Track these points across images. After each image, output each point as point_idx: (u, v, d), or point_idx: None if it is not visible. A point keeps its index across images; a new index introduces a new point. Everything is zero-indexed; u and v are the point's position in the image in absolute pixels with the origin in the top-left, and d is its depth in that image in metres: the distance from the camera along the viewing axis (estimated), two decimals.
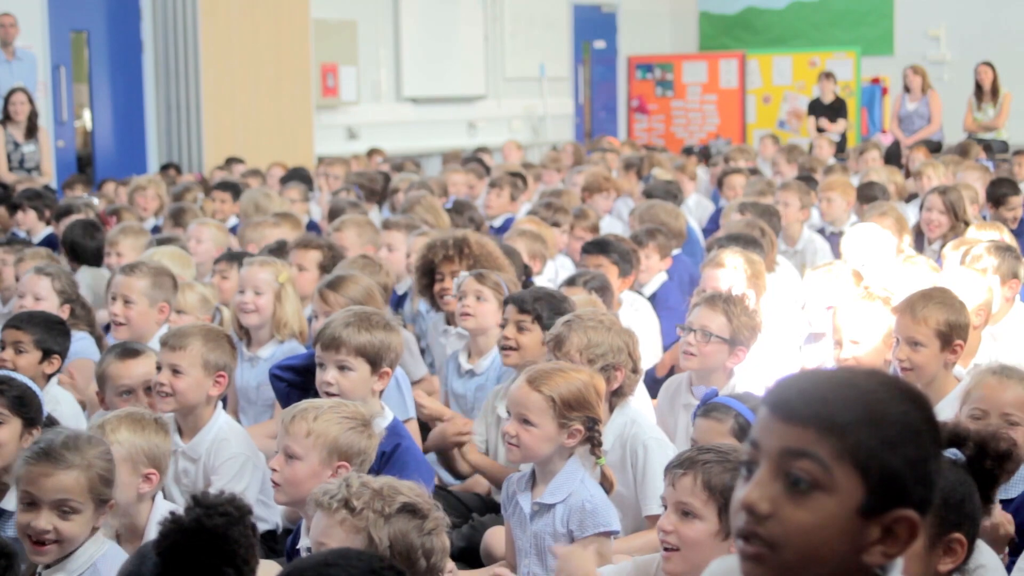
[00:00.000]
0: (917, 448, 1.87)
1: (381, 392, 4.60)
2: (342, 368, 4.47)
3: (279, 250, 6.71)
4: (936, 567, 2.69)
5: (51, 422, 4.24)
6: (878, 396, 1.87)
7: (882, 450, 1.84)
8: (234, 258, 6.73)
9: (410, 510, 2.98)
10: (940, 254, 6.62)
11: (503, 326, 5.01)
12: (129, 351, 4.79)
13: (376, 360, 4.50)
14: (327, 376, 4.47)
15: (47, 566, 3.40)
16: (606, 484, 3.92)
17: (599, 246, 6.56)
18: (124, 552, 3.52)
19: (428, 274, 6.07)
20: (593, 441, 3.87)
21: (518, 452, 3.86)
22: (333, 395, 4.39)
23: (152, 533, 3.66)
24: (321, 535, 2.97)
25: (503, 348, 4.98)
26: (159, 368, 4.61)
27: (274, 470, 3.72)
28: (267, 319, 5.64)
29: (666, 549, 3.25)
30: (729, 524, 3.08)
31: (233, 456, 4.50)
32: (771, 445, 1.88)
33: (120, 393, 4.68)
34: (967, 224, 7.56)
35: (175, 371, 4.56)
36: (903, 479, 1.85)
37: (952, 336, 4.55)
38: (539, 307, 4.94)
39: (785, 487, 1.86)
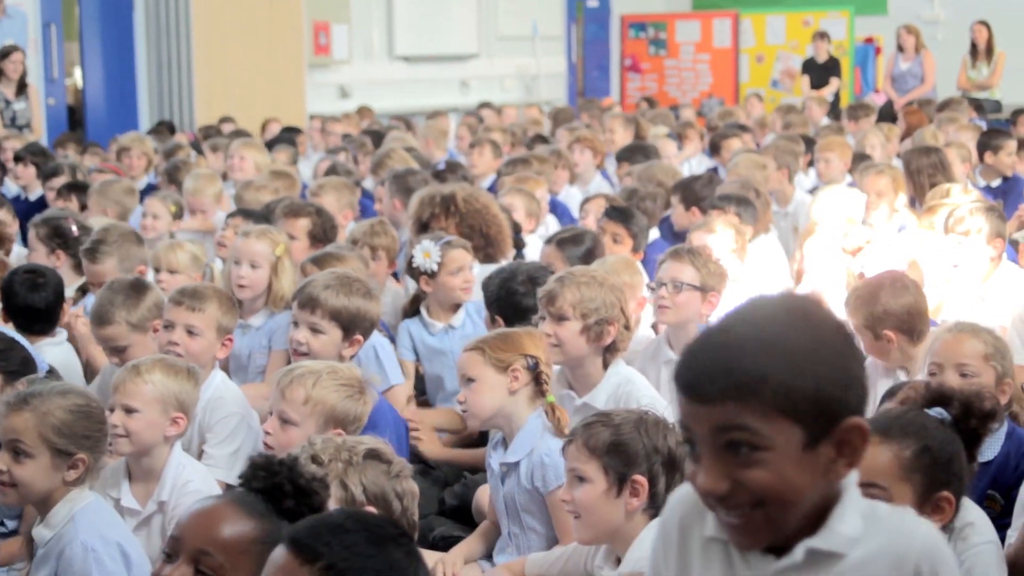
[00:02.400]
0: (831, 360, 1.89)
1: (351, 359, 4.62)
2: (314, 330, 4.50)
3: (266, 216, 6.66)
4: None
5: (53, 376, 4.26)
6: (773, 332, 1.89)
7: (799, 384, 1.86)
8: (249, 215, 6.72)
9: (375, 456, 3.05)
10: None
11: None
12: (139, 286, 4.87)
13: (349, 326, 4.55)
14: (299, 335, 4.53)
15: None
16: (556, 423, 3.94)
17: (622, 214, 6.50)
18: (108, 505, 3.54)
19: (423, 231, 6.09)
20: (539, 381, 3.93)
21: (471, 417, 3.94)
22: (303, 354, 4.43)
23: (169, 480, 3.72)
24: None
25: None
26: (169, 325, 4.61)
27: (268, 433, 3.73)
28: (262, 292, 5.58)
29: (575, 517, 3.29)
30: (616, 481, 3.20)
31: (228, 415, 4.50)
32: (701, 429, 1.90)
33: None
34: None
35: (190, 332, 4.59)
36: (831, 397, 1.88)
37: (912, 321, 4.53)
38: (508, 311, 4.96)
39: (731, 459, 1.88)
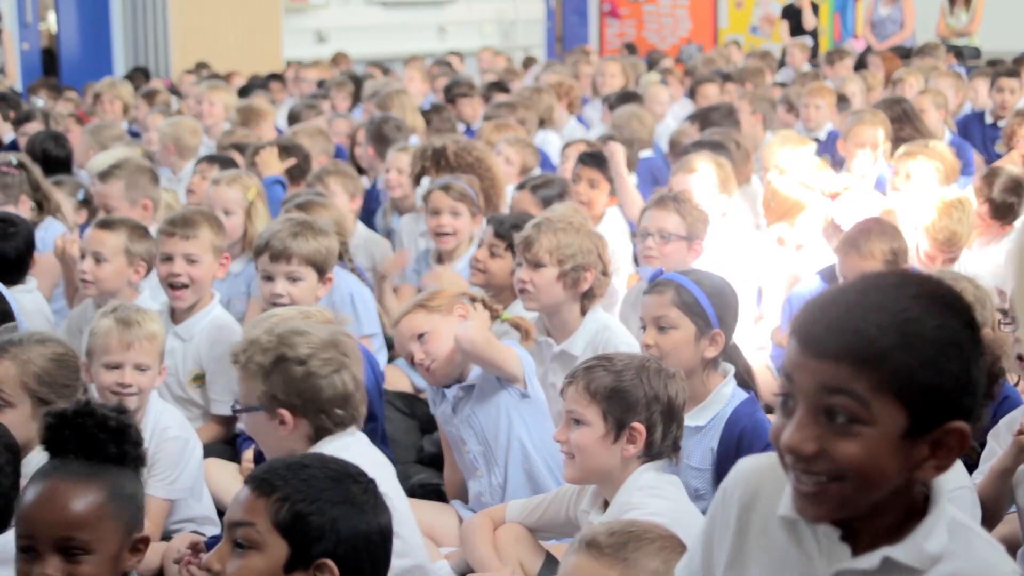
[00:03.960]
0: (959, 360, 1.81)
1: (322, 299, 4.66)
2: (292, 279, 4.49)
3: (230, 160, 6.62)
4: None
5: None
6: (911, 315, 1.81)
7: (922, 372, 1.79)
8: (216, 160, 6.68)
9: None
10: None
11: (479, 244, 5.01)
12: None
13: (323, 267, 4.57)
14: (276, 288, 4.52)
15: None
16: (523, 330, 4.06)
17: (597, 159, 6.49)
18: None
19: (417, 181, 6.14)
20: (486, 306, 4.03)
21: (436, 364, 3.94)
22: (282, 305, 4.41)
23: (148, 427, 3.81)
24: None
25: (473, 267, 5.03)
26: (168, 258, 4.65)
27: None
28: (238, 239, 5.56)
29: (567, 456, 3.30)
30: (615, 427, 3.18)
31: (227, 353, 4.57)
32: (806, 383, 1.83)
33: None
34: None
35: (189, 260, 4.64)
36: (946, 395, 1.81)
37: (898, 262, 4.57)
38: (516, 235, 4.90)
39: (826, 423, 1.81)
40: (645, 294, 3.89)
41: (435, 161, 5.95)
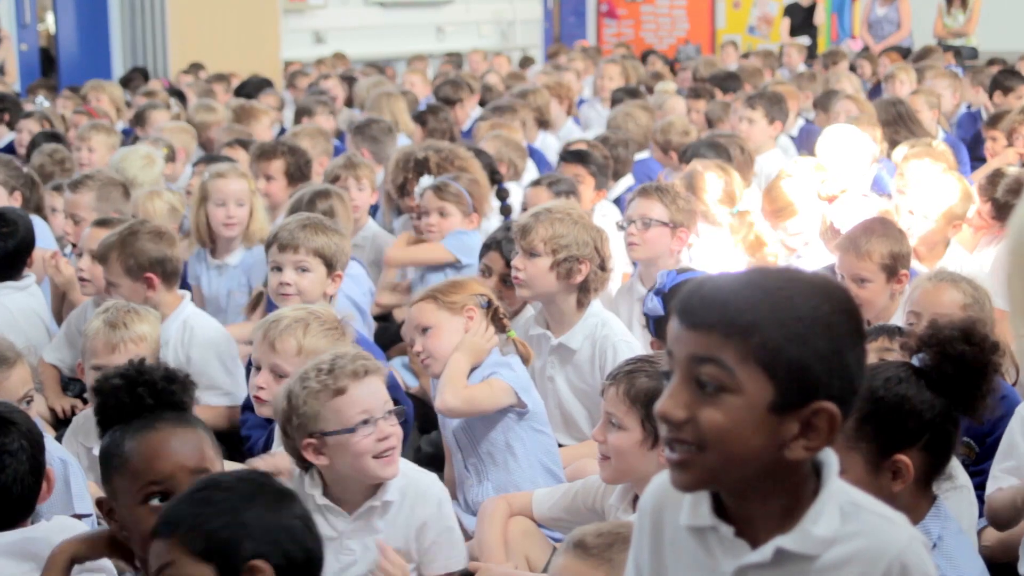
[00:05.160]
0: (827, 340, 1.87)
1: (332, 298, 4.64)
2: (300, 269, 4.51)
3: (216, 158, 6.64)
4: (890, 487, 2.65)
5: None
6: (784, 294, 1.89)
7: (788, 347, 1.85)
8: (212, 160, 6.69)
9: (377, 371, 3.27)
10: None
11: (483, 271, 4.90)
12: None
13: (332, 262, 4.57)
14: (285, 277, 4.52)
15: None
16: (523, 355, 4.04)
17: (577, 155, 6.51)
18: None
19: (400, 190, 6.13)
20: (495, 317, 3.99)
21: (433, 362, 3.94)
22: (290, 296, 4.44)
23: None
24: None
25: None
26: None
27: (260, 388, 3.72)
28: (244, 230, 5.63)
29: (603, 457, 3.31)
30: (653, 433, 3.16)
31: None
32: (680, 352, 1.90)
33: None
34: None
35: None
36: (814, 373, 1.86)
37: (896, 267, 4.52)
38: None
39: (697, 392, 1.88)
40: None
41: (417, 172, 5.95)
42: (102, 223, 4.93)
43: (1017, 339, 1.63)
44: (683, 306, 1.92)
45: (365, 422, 3.15)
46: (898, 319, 4.17)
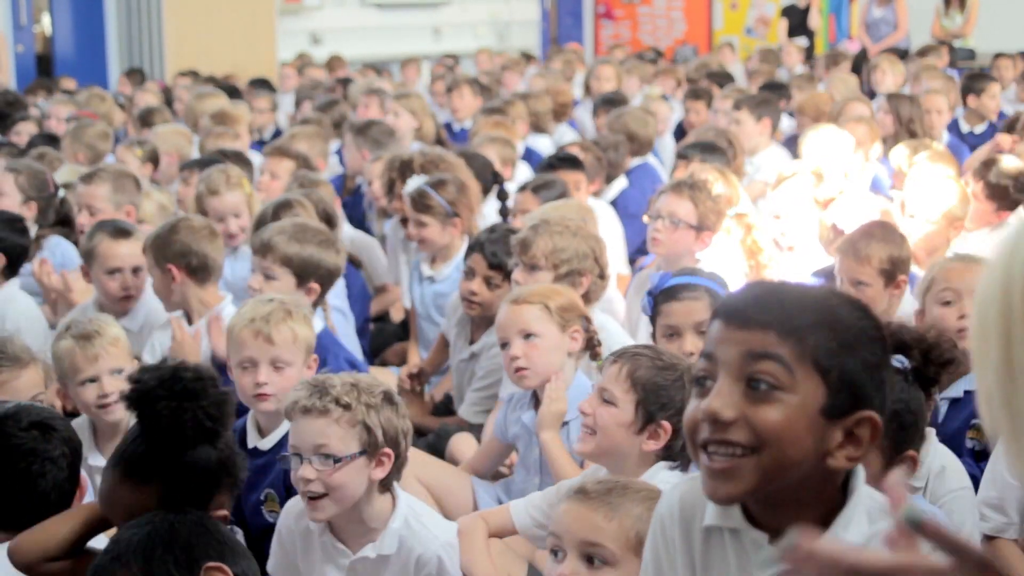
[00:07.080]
0: (872, 353, 1.90)
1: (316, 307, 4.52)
2: (267, 276, 4.48)
3: (209, 162, 6.59)
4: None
5: None
6: (831, 303, 1.92)
7: (841, 353, 1.87)
8: (198, 164, 6.65)
9: (388, 398, 3.08)
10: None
11: (467, 273, 4.74)
12: (121, 230, 4.84)
13: (301, 274, 4.48)
14: (253, 282, 4.51)
15: None
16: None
17: (564, 161, 6.46)
18: None
19: (388, 193, 6.10)
20: (592, 343, 3.89)
21: (530, 374, 3.79)
22: None
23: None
24: (319, 436, 3.01)
25: (467, 300, 4.72)
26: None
27: (263, 384, 3.63)
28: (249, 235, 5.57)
29: (587, 431, 3.27)
30: (643, 419, 3.16)
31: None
32: (730, 353, 1.88)
33: (108, 272, 4.78)
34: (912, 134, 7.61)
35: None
36: (862, 382, 1.88)
37: (895, 272, 4.46)
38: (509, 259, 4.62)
39: (746, 391, 1.86)
40: (674, 301, 3.86)
41: (402, 173, 5.89)
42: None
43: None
44: (732, 308, 1.93)
45: None
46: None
